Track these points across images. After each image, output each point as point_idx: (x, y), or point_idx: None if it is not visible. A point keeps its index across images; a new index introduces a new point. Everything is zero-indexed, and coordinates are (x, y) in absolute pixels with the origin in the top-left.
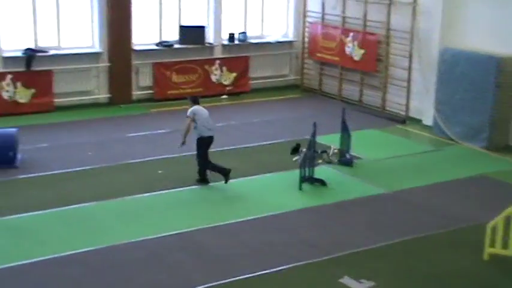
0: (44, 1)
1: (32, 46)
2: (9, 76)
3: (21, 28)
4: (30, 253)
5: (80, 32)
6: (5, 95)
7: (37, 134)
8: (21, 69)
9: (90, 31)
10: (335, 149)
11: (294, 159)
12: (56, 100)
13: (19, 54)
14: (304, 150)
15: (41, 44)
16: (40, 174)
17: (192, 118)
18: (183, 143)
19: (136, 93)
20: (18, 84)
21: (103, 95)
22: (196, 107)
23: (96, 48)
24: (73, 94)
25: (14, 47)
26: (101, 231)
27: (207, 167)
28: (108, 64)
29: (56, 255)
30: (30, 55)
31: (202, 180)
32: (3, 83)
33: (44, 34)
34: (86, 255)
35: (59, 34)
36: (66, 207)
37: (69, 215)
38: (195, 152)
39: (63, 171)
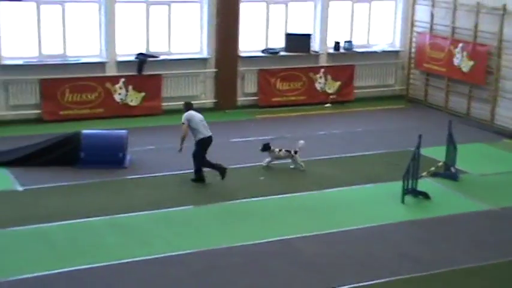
0: (156, 8)
1: (144, 51)
2: (122, 80)
3: (135, 34)
4: (135, 252)
5: (189, 38)
6: (117, 98)
7: (145, 136)
8: (133, 73)
9: (198, 37)
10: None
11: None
12: (163, 104)
13: (132, 58)
14: (274, 149)
15: (152, 49)
16: (147, 175)
17: (187, 123)
18: (181, 149)
19: (241, 99)
20: (130, 87)
21: (209, 100)
22: (189, 112)
23: (204, 54)
24: (180, 98)
25: (127, 52)
26: (202, 234)
27: (202, 167)
28: (214, 70)
29: (159, 255)
30: (142, 60)
31: (199, 179)
32: (117, 86)
33: (156, 40)
34: (188, 257)
35: (170, 40)
36: (170, 209)
37: (173, 217)
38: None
39: (168, 173)
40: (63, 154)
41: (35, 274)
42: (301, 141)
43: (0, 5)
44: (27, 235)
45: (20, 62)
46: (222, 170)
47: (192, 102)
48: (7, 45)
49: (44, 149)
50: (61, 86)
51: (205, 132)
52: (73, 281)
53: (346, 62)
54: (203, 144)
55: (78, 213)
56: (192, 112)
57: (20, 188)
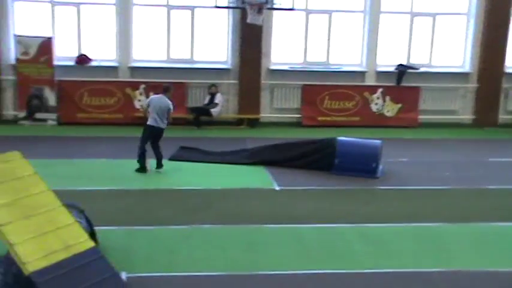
0: (419, 19)
1: (404, 62)
2: (379, 90)
3: (397, 44)
4: (381, 263)
5: (451, 51)
6: (374, 108)
7: (399, 148)
8: (392, 84)
9: (462, 51)
10: None
11: None
12: (420, 117)
13: (391, 69)
14: None
15: (413, 60)
16: (397, 187)
17: (146, 107)
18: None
19: (503, 117)
20: (387, 98)
21: (467, 116)
22: (155, 96)
23: (466, 68)
24: (437, 112)
25: (388, 63)
26: (448, 254)
27: (143, 154)
28: (476, 85)
29: (404, 270)
30: (402, 71)
31: (141, 169)
32: (374, 96)
33: (417, 51)
34: (432, 274)
35: (431, 52)
36: (417, 224)
37: (419, 232)
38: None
39: (419, 187)
40: (318, 159)
41: (286, 272)
42: None
43: (274, 15)
44: (281, 233)
45: (286, 67)
46: (143, 169)
47: (450, 116)
48: (276, 52)
49: (301, 153)
50: (321, 92)
51: (154, 120)
52: (321, 283)
53: None
54: (145, 130)
55: (328, 217)
56: (157, 96)
57: (277, 188)
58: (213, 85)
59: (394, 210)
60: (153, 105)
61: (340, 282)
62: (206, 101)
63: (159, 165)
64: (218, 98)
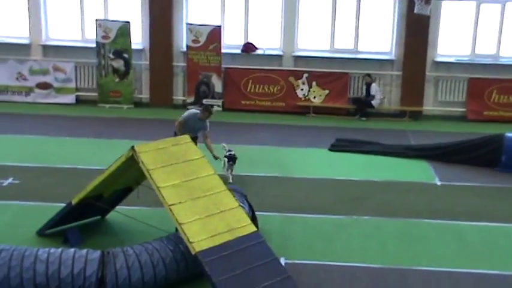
0: None
1: None
2: None
3: None
4: None
5: None
6: None
7: None
8: None
9: None
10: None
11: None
12: None
13: None
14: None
15: None
16: None
17: None
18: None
19: None
20: None
21: None
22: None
23: None
24: None
25: None
26: None
27: None
28: None
29: None
30: None
31: None
32: None
33: None
34: None
35: None
36: None
37: None
38: None
39: None
40: (483, 155)
41: (445, 269)
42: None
43: (442, 5)
44: (441, 229)
45: (452, 59)
46: None
47: None
48: (442, 43)
49: (465, 148)
50: (489, 86)
51: None
52: (483, 284)
53: None
54: None
55: (492, 216)
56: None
57: (438, 183)
58: (368, 75)
59: None
60: None
61: (505, 284)
62: (364, 91)
63: None
64: (374, 89)
